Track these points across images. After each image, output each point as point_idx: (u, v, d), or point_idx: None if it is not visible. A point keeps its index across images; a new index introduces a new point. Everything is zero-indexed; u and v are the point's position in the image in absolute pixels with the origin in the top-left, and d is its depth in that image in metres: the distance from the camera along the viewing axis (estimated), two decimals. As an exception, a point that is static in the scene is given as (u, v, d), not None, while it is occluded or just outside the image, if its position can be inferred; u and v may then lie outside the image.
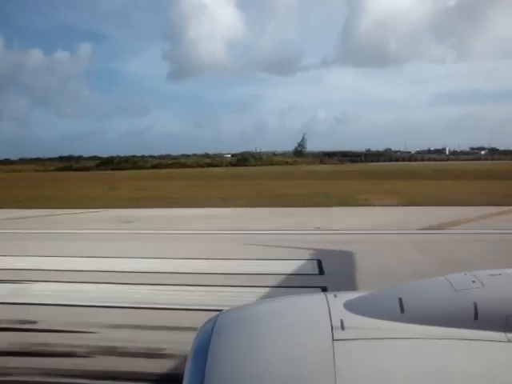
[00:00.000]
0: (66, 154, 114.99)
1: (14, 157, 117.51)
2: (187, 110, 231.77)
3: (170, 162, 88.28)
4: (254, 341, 1.72)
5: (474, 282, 1.80)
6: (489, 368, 1.53)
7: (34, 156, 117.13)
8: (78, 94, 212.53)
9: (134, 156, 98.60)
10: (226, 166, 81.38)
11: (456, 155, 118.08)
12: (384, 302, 1.85)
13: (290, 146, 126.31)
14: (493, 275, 1.87)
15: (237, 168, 74.21)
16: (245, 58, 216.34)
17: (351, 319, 1.71)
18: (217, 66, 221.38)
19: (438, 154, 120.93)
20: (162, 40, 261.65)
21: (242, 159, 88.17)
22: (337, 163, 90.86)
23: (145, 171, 70.90)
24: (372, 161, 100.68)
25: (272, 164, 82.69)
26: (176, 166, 78.94)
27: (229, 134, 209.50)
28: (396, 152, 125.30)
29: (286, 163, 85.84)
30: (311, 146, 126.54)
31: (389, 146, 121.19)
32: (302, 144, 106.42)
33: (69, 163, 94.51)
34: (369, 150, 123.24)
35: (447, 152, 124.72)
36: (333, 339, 1.60)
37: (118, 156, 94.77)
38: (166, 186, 36.69)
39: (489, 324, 1.62)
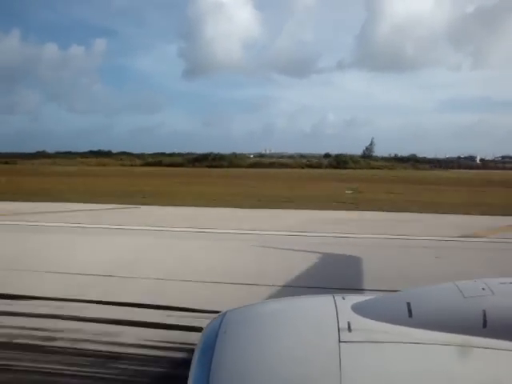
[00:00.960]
0: (95, 148, 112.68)
1: (30, 150, 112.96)
2: (199, 108, 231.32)
3: (268, 161, 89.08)
4: (260, 340, 1.72)
5: (483, 289, 1.78)
6: (496, 377, 1.50)
7: (64, 150, 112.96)
8: (91, 88, 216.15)
9: (220, 154, 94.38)
10: (326, 167, 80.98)
11: (485, 163, 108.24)
12: (392, 305, 1.85)
13: (298, 149, 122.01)
14: (503, 283, 1.85)
15: (340, 171, 72.35)
16: (260, 58, 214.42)
17: (358, 321, 1.70)
18: (232, 66, 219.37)
19: (469, 161, 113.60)
20: (178, 38, 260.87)
21: (342, 161, 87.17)
22: (431, 169, 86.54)
23: (253, 170, 68.11)
24: (450, 167, 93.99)
25: (371, 168, 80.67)
26: (276, 166, 79.51)
27: (241, 134, 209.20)
28: (459, 159, 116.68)
29: (383, 168, 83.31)
30: (321, 149, 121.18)
31: (413, 152, 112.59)
32: (369, 148, 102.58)
33: (128, 158, 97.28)
34: (435, 156, 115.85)
35: (477, 160, 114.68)
36: (339, 341, 1.59)
37: (211, 153, 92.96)
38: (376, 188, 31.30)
39: (498, 332, 1.58)
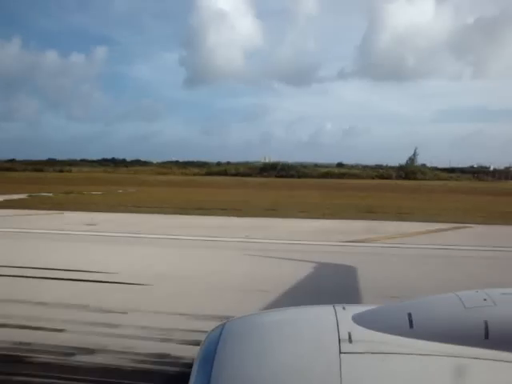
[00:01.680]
0: (108, 156, 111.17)
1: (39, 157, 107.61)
2: (198, 116, 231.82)
3: (338, 171, 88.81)
4: (259, 351, 1.72)
5: (485, 300, 1.78)
6: None
7: (70, 157, 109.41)
8: (92, 96, 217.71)
9: (287, 164, 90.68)
10: (396, 178, 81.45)
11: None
12: (393, 316, 1.85)
13: (298, 157, 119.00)
14: (505, 294, 1.85)
15: (419, 182, 67.03)
16: (261, 67, 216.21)
17: (359, 332, 1.70)
18: (233, 75, 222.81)
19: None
20: (179, 46, 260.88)
21: (411, 173, 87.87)
22: (495, 180, 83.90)
23: (328, 181, 65.35)
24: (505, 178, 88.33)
25: (438, 179, 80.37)
26: (347, 177, 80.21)
27: (241, 142, 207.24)
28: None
29: (449, 179, 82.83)
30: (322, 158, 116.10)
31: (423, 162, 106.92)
32: (412, 158, 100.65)
33: (183, 167, 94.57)
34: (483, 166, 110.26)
35: (491, 169, 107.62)
36: (340, 352, 1.59)
37: (279, 163, 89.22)
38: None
39: (500, 344, 1.58)
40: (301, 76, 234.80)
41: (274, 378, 1.56)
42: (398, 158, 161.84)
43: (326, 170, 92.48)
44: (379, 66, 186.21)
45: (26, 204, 22.34)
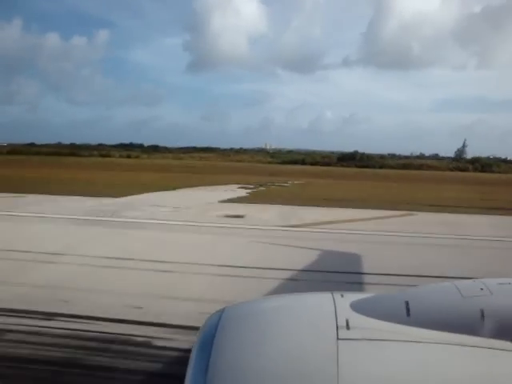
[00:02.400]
0: (126, 141, 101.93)
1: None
2: (200, 102, 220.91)
3: (416, 162, 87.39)
4: (258, 336, 1.75)
5: (482, 289, 1.80)
6: (492, 377, 1.53)
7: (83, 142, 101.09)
8: (96, 80, 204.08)
9: (366, 154, 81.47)
10: (473, 171, 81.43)
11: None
12: (391, 304, 1.88)
13: (297, 144, 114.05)
14: (502, 284, 1.87)
15: (498, 175, 59.57)
16: (266, 53, 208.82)
17: (357, 319, 1.73)
18: (237, 60, 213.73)
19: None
20: (184, 31, 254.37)
21: (487, 165, 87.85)
22: None
23: (427, 173, 59.06)
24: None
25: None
26: (424, 168, 79.54)
27: (244, 128, 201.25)
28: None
29: None
30: (322, 146, 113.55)
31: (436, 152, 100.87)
32: (461, 150, 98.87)
33: (157, 151, 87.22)
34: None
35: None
36: (337, 338, 1.61)
37: (357, 152, 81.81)
38: None
39: (495, 332, 1.61)
40: (305, 63, 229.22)
41: (272, 364, 1.59)
42: (407, 148, 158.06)
43: (404, 161, 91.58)
44: (384, 54, 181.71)
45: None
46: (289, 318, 1.87)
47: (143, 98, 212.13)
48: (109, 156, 74.87)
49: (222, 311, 1.95)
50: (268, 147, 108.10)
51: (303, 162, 76.93)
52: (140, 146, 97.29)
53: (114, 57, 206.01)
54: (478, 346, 1.59)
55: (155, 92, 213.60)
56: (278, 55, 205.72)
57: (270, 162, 76.08)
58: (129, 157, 74.68)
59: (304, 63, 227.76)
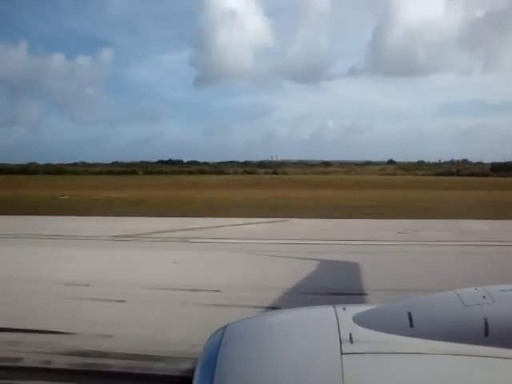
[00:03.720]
0: (165, 158, 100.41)
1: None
2: (203, 116, 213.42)
3: None
4: (261, 353, 1.72)
5: (484, 297, 1.78)
6: None
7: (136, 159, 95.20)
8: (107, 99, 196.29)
9: None
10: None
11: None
12: (393, 315, 1.85)
13: (301, 155, 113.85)
14: (504, 291, 1.85)
15: None
16: (271, 65, 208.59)
17: (360, 333, 1.70)
18: (242, 73, 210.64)
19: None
20: (189, 46, 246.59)
21: None
22: None
23: None
24: None
25: None
26: None
27: (251, 141, 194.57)
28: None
29: None
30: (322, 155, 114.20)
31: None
32: None
33: (216, 168, 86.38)
34: None
35: None
36: (341, 353, 1.59)
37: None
38: None
39: (500, 341, 1.58)
40: (311, 74, 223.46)
41: (276, 380, 1.56)
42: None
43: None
44: (390, 62, 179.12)
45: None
46: (292, 333, 1.86)
47: (147, 114, 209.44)
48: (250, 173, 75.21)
49: (224, 328, 1.94)
50: (274, 159, 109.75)
51: (458, 174, 72.80)
52: (179, 162, 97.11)
53: (123, 74, 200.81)
54: (482, 356, 1.56)
55: (158, 108, 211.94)
56: (284, 67, 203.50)
57: (423, 175, 72.72)
58: (249, 173, 75.03)
59: (310, 74, 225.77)
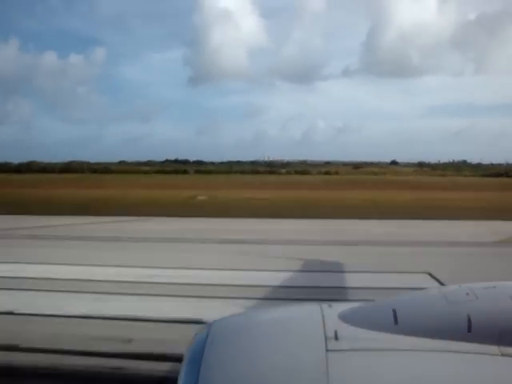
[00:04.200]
0: (172, 157, 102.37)
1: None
2: (196, 116, 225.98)
3: None
4: (246, 350, 1.73)
5: (467, 294, 1.81)
6: (481, 381, 1.53)
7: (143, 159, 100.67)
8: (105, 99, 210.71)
9: None
10: None
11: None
12: (378, 313, 1.88)
13: (295, 156, 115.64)
14: (487, 288, 1.88)
15: None
16: (265, 65, 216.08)
17: (345, 330, 1.72)
18: (236, 73, 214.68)
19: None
20: (183, 45, 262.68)
21: None
22: None
23: None
24: None
25: None
26: None
27: (244, 141, 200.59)
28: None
29: None
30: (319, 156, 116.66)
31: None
32: None
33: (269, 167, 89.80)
34: None
35: None
36: (326, 350, 1.60)
37: None
38: None
39: (482, 337, 1.61)
40: (305, 74, 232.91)
41: (262, 378, 1.57)
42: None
43: None
44: (382, 64, 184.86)
45: None
46: (277, 330, 1.86)
47: (139, 113, 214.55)
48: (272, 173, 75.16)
49: (209, 326, 1.93)
50: (267, 159, 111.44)
51: (507, 175, 71.09)
52: (185, 162, 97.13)
53: (116, 73, 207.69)
54: (465, 352, 1.58)
55: (148, 108, 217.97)
56: (278, 67, 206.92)
57: (473, 175, 72.03)
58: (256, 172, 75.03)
59: (303, 74, 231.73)
